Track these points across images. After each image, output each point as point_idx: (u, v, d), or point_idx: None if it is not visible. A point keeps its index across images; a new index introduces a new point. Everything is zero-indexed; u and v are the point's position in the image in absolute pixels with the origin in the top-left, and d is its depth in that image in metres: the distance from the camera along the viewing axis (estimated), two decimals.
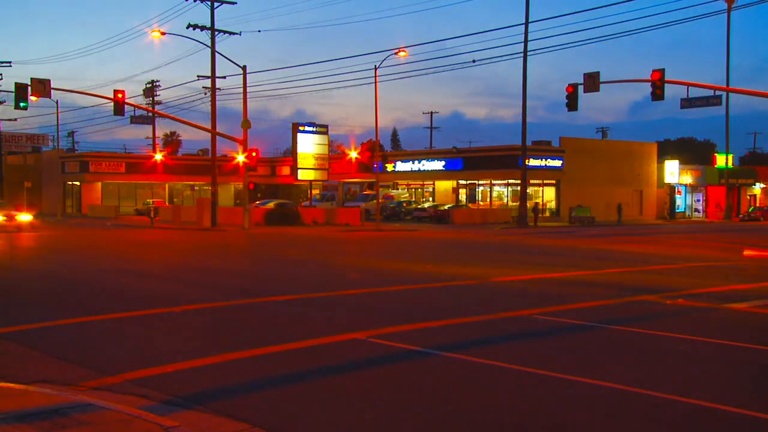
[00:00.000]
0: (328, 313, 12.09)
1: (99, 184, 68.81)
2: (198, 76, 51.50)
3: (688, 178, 67.38)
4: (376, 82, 44.51)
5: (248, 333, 10.33)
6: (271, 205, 53.47)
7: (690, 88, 31.03)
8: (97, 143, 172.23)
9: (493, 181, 58.59)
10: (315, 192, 62.58)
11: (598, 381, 7.57)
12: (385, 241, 32.86)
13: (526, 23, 46.62)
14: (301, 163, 52.19)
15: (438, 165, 60.54)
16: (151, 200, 63.71)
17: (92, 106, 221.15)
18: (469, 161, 58.46)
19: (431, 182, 62.67)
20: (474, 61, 46.37)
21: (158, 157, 68.22)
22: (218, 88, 45.76)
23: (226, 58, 43.13)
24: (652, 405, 6.88)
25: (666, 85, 29.57)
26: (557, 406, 6.87)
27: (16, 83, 33.20)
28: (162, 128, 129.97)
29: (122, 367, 8.12)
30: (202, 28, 42.60)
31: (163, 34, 42.23)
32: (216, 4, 43.14)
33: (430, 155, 63.28)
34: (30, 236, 34.50)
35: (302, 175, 52.85)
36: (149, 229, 43.64)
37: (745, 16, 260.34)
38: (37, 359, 8.66)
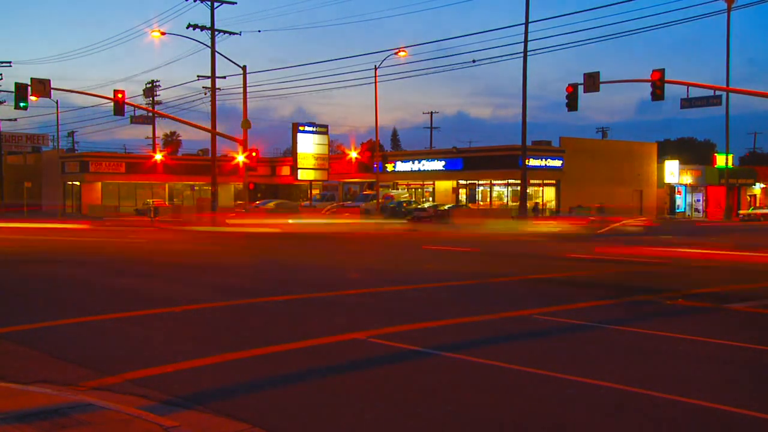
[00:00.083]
0: (328, 313, 12.09)
1: (99, 184, 68.82)
2: (198, 76, 51.60)
3: (688, 178, 67.39)
4: (376, 82, 44.57)
5: (248, 333, 10.33)
6: (271, 205, 53.50)
7: (690, 88, 31.08)
8: (97, 143, 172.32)
9: (493, 181, 58.59)
10: (315, 192, 62.61)
11: (598, 381, 7.57)
12: (385, 241, 32.86)
13: (526, 23, 46.60)
14: (301, 163, 52.23)
15: (438, 165, 60.54)
16: (151, 200, 63.74)
17: (92, 106, 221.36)
18: (469, 161, 58.46)
19: (431, 182, 62.67)
20: (474, 61, 46.50)
21: (158, 157, 68.24)
22: (218, 88, 45.85)
23: (226, 58, 43.24)
24: (652, 405, 6.88)
25: (666, 85, 29.60)
26: (557, 406, 6.87)
27: (16, 83, 33.23)
28: (162, 128, 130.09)
29: (122, 367, 8.12)
30: (202, 28, 42.63)
31: (163, 34, 42.29)
32: (216, 4, 43.19)
33: (430, 155, 63.29)
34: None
35: (302, 175, 52.89)
36: (149, 229, 43.64)
37: (745, 16, 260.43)
38: (37, 359, 8.66)
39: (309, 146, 52.43)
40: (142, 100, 73.05)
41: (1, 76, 71.17)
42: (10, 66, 78.67)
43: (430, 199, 61.27)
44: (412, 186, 64.82)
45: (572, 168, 56.95)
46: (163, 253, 25.44)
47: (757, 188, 74.10)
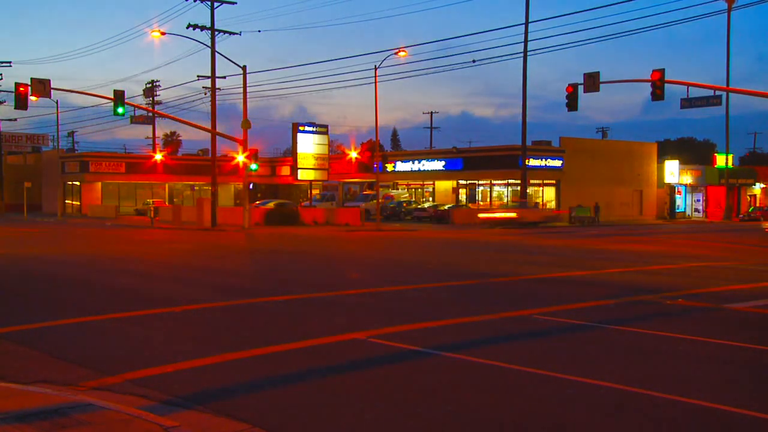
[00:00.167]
0: (328, 313, 12.09)
1: (99, 184, 68.82)
2: (198, 76, 51.54)
3: (688, 178, 67.39)
4: (376, 82, 44.54)
5: (248, 333, 10.34)
6: (271, 205, 53.46)
7: (690, 88, 31.05)
8: (97, 143, 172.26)
9: (493, 181, 58.59)
10: (315, 192, 62.58)
11: (598, 381, 7.57)
12: (385, 241, 32.86)
13: (526, 23, 46.65)
14: (301, 163, 52.19)
15: (438, 165, 60.54)
16: (151, 200, 63.73)
17: (92, 106, 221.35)
18: (469, 161, 58.47)
19: (431, 182, 62.67)
20: (474, 61, 46.41)
21: (158, 157, 68.24)
22: (218, 88, 45.78)
23: (226, 58, 43.18)
24: (652, 405, 6.88)
25: (666, 85, 29.57)
26: (557, 406, 6.87)
27: (16, 83, 33.24)
28: (162, 128, 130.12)
29: (122, 367, 8.12)
30: (202, 28, 42.60)
31: (163, 34, 42.25)
32: (216, 4, 43.15)
33: (430, 155, 63.29)
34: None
35: (302, 175, 52.84)
36: (149, 229, 43.66)
37: (745, 16, 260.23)
38: (37, 359, 8.66)
39: (309, 146, 52.40)
40: (142, 100, 73.05)
41: (1, 76, 71.16)
42: (10, 66, 78.70)
43: (430, 199, 61.27)
44: (412, 186, 64.82)
45: (572, 168, 56.95)
46: (162, 253, 25.38)
47: (757, 188, 74.10)
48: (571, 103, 31.78)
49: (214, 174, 44.68)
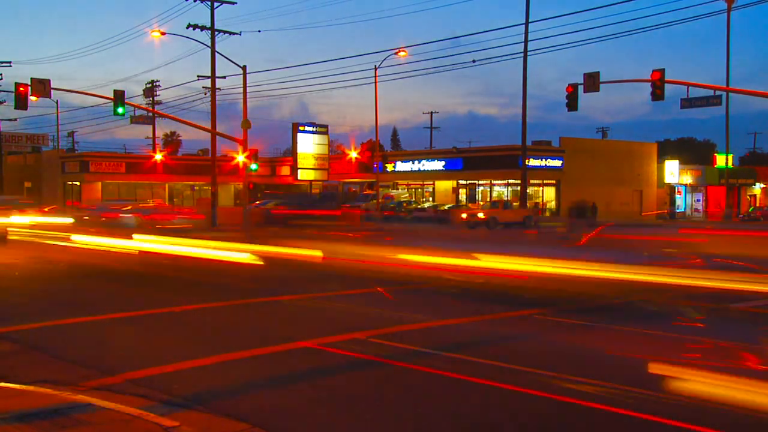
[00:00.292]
0: (328, 313, 12.09)
1: (99, 184, 68.82)
2: (198, 76, 51.64)
3: (688, 178, 67.40)
4: (376, 82, 44.61)
5: (248, 333, 10.34)
6: (271, 205, 53.46)
7: (690, 88, 31.09)
8: (97, 143, 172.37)
9: (493, 181, 58.60)
10: (315, 192, 62.63)
11: (599, 381, 7.56)
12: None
13: (526, 23, 46.61)
14: (301, 163, 52.25)
15: (438, 165, 60.55)
16: (151, 200, 63.74)
17: (92, 106, 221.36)
18: (469, 161, 58.48)
19: (431, 182, 62.67)
20: (474, 61, 46.48)
21: (158, 157, 68.26)
22: (218, 88, 45.80)
23: (226, 58, 43.22)
24: (652, 404, 6.88)
25: (666, 85, 29.61)
26: (558, 406, 6.87)
27: (16, 83, 33.27)
28: (162, 128, 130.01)
29: (122, 367, 8.12)
30: (202, 28, 42.61)
31: (163, 34, 42.29)
32: (216, 4, 43.16)
33: (430, 155, 63.31)
34: None
35: (302, 175, 52.91)
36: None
37: (746, 16, 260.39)
38: (37, 359, 8.67)
39: (309, 146, 52.47)
40: (142, 100, 73.04)
41: (1, 76, 71.15)
42: (10, 66, 78.65)
43: (430, 199, 61.28)
44: (412, 186, 64.82)
45: (572, 168, 56.95)
46: None
47: (757, 188, 74.10)
48: (571, 103, 31.81)
49: (214, 174, 44.70)
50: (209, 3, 43.02)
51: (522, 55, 46.98)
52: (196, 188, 71.52)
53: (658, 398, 6.97)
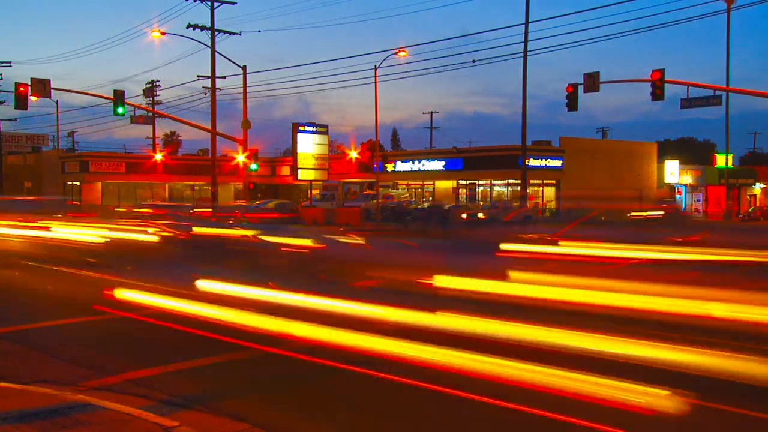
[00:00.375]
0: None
1: (99, 184, 68.82)
2: (198, 76, 51.53)
3: (688, 178, 67.42)
4: (376, 82, 44.60)
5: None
6: (271, 205, 53.48)
7: (690, 88, 31.09)
8: (97, 143, 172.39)
9: (493, 181, 58.62)
10: (315, 192, 62.63)
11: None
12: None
13: (526, 23, 46.58)
14: (301, 163, 52.20)
15: (438, 165, 60.57)
16: (151, 200, 63.76)
17: (92, 106, 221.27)
18: (469, 161, 58.50)
19: (431, 182, 62.69)
20: (474, 61, 46.49)
21: (158, 157, 68.28)
22: (218, 88, 45.83)
23: (226, 58, 43.23)
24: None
25: (666, 85, 29.61)
26: (559, 407, 6.85)
27: (16, 83, 33.28)
28: (162, 128, 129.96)
29: (122, 367, 8.12)
30: (202, 28, 42.62)
31: (163, 34, 42.29)
32: (216, 4, 43.19)
33: (430, 155, 63.32)
34: None
35: (302, 175, 52.86)
36: None
37: (746, 15, 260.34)
38: (37, 359, 8.66)
39: (309, 146, 52.42)
40: (142, 100, 73.08)
41: (1, 76, 71.16)
42: (10, 66, 78.65)
43: (430, 199, 61.31)
44: (412, 186, 64.83)
45: (572, 168, 56.96)
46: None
47: (757, 188, 74.12)
48: (571, 103, 31.81)
49: (214, 174, 44.72)
50: (209, 3, 43.04)
51: (522, 55, 47.01)
52: (196, 188, 71.54)
53: None
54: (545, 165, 56.29)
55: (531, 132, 51.06)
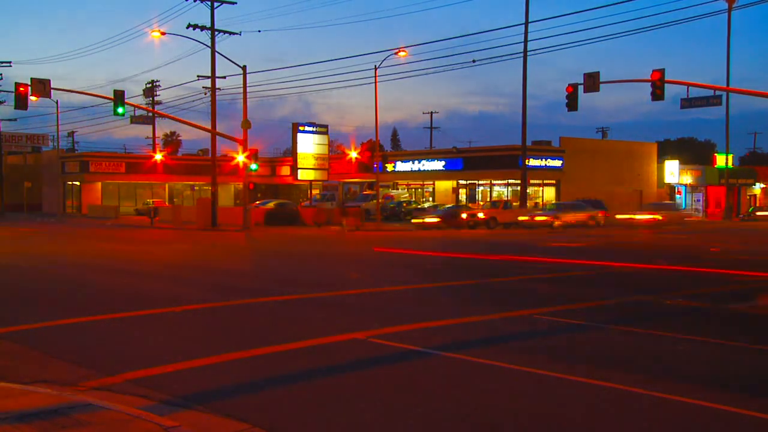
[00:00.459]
0: (327, 313, 12.09)
1: (99, 184, 68.87)
2: (198, 76, 51.55)
3: (688, 178, 67.41)
4: (376, 82, 44.59)
5: (248, 333, 10.34)
6: (271, 205, 53.45)
7: (690, 88, 31.07)
8: (96, 143, 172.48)
9: (493, 181, 58.63)
10: (315, 192, 62.62)
11: (599, 381, 7.56)
12: (385, 241, 32.84)
13: (526, 23, 46.65)
14: (301, 163, 52.23)
15: (438, 165, 60.58)
16: (151, 200, 63.79)
17: (92, 106, 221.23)
18: (469, 161, 58.50)
19: (431, 182, 62.70)
20: (474, 61, 46.44)
21: (158, 157, 68.30)
22: (218, 88, 45.81)
23: (226, 58, 43.21)
24: (652, 405, 6.88)
25: (666, 85, 29.59)
26: (558, 407, 6.87)
27: (16, 83, 33.27)
28: (162, 128, 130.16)
29: (122, 367, 8.12)
30: (202, 28, 42.62)
31: (163, 34, 42.27)
32: (216, 4, 43.17)
33: (430, 155, 63.32)
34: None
35: (302, 175, 52.89)
36: (149, 229, 43.68)
37: (746, 15, 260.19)
38: (37, 359, 8.66)
39: (309, 146, 52.45)
40: (142, 100, 73.06)
41: (1, 76, 71.15)
42: (10, 66, 78.65)
43: (430, 199, 61.29)
44: (412, 186, 64.84)
45: (572, 168, 56.97)
46: (162, 253, 25.36)
47: (757, 188, 74.11)
48: (571, 103, 31.78)
49: (214, 174, 44.71)
50: (209, 3, 43.03)
51: (522, 55, 47.03)
52: (196, 188, 71.57)
53: None
54: (545, 165, 56.30)
55: (531, 132, 51.16)
